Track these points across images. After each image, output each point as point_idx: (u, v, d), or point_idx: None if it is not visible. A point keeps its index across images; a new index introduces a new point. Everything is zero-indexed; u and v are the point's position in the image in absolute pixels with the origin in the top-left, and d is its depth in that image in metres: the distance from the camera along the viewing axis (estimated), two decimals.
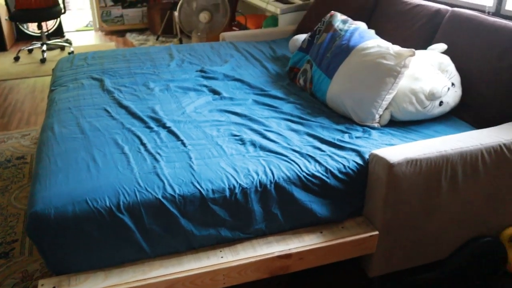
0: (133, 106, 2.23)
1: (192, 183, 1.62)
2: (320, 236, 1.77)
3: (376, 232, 1.79)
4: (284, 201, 1.71)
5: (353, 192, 1.82)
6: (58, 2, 5.20)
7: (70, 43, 5.61)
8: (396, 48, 2.15)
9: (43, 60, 5.10)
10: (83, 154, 1.79)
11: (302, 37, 2.95)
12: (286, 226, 1.76)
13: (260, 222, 1.71)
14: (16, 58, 5.18)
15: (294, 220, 1.76)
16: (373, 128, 2.12)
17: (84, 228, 1.51)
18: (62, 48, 5.60)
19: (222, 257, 1.65)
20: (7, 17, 5.55)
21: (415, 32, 2.58)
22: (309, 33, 2.72)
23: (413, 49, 2.07)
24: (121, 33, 6.30)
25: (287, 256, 1.69)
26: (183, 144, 1.88)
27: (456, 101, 2.20)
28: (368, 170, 1.82)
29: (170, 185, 1.60)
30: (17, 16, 5.01)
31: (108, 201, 1.53)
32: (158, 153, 1.80)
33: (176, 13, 5.37)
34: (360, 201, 1.86)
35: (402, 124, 2.17)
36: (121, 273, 1.58)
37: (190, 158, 1.77)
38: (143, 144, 1.87)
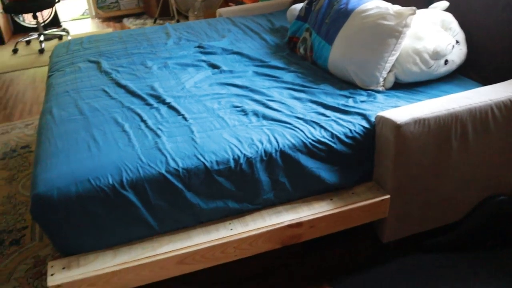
0: (131, 85, 2.18)
1: (196, 155, 1.58)
2: (330, 203, 1.73)
3: (388, 196, 1.75)
4: (291, 169, 1.67)
5: (361, 157, 1.78)
6: None
7: (67, 32, 5.55)
8: (396, 7, 2.08)
9: (41, 51, 5.05)
10: (83, 134, 1.75)
11: (299, 6, 2.88)
12: (295, 194, 1.73)
13: (268, 192, 1.67)
14: (15, 51, 5.14)
15: (303, 188, 1.72)
16: (378, 91, 2.06)
17: (89, 208, 1.49)
18: (60, 37, 5.55)
19: (231, 229, 1.62)
20: (1, 10, 5.50)
21: None
22: (306, 1, 2.65)
23: (414, 7, 2.01)
24: (118, 19, 6.23)
25: (298, 225, 1.65)
26: (184, 118, 1.84)
27: (462, 59, 2.13)
28: (375, 133, 1.77)
29: (173, 159, 1.56)
30: (11, 7, 4.95)
31: (110, 178, 1.50)
32: (159, 129, 1.76)
33: None
34: (369, 166, 1.82)
35: (407, 86, 2.11)
36: (129, 250, 1.56)
37: (192, 131, 1.73)
38: (144, 121, 1.83)
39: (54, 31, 5.55)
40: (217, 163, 1.57)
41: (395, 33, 2.01)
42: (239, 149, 1.61)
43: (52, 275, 1.49)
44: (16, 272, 2.03)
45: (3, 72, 4.58)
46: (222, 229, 1.63)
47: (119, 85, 2.20)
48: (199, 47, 2.70)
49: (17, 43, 5.27)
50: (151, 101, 2.00)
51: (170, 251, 1.55)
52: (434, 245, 1.99)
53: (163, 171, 1.53)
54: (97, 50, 2.79)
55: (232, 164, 1.58)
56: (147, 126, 1.78)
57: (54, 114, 1.95)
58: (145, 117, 1.85)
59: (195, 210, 1.59)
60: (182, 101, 1.99)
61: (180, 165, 1.55)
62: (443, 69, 2.09)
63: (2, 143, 3.16)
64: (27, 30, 5.90)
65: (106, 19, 6.28)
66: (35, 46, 5.32)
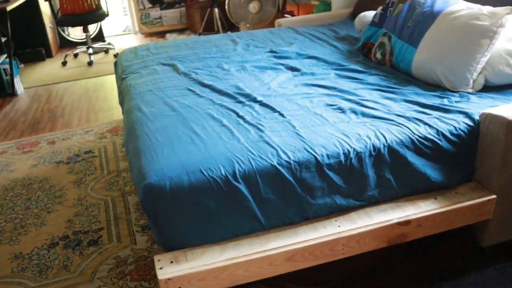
0: (215, 84, 2.17)
1: (306, 149, 1.55)
2: (435, 202, 1.68)
3: (494, 196, 1.69)
4: (397, 165, 1.62)
5: (464, 156, 1.73)
6: (100, 6, 5.24)
7: (113, 46, 5.64)
8: (489, 8, 2.05)
9: (90, 63, 5.13)
10: (182, 129, 1.74)
11: (370, 13, 2.86)
12: (399, 192, 1.68)
13: (374, 189, 1.62)
14: (64, 63, 5.22)
15: (407, 186, 1.67)
16: (468, 93, 2.01)
17: (200, 199, 1.45)
18: (106, 51, 5.63)
19: (339, 226, 1.57)
20: (51, 25, 5.62)
21: None
22: (381, 7, 2.64)
23: (510, 7, 1.97)
24: (161, 34, 6.31)
25: (406, 223, 1.60)
26: (281, 115, 1.81)
27: None
28: (479, 131, 1.72)
29: (284, 152, 1.53)
30: (63, 21, 5.06)
31: (223, 169, 1.47)
32: (260, 124, 1.73)
33: (216, 10, 5.37)
34: (470, 166, 1.76)
35: (497, 89, 2.06)
36: (237, 246, 1.52)
37: (293, 127, 1.70)
38: (241, 117, 1.81)
39: (101, 44, 5.64)
40: (328, 156, 1.54)
41: (489, 33, 1.97)
42: (348, 144, 1.58)
43: (161, 268, 1.45)
44: (99, 272, 2.01)
45: (56, 82, 4.64)
46: (329, 226, 1.58)
47: (203, 84, 2.20)
48: (271, 52, 2.70)
49: (66, 56, 5.36)
50: (242, 99, 1.99)
51: (279, 247, 1.50)
52: None
53: (275, 163, 1.50)
54: (167, 55, 2.80)
55: (342, 158, 1.55)
56: (246, 122, 1.76)
57: (144, 111, 1.95)
58: (241, 113, 1.83)
59: (303, 205, 1.55)
60: (273, 100, 1.97)
61: (292, 158, 1.51)
62: None
63: (65, 149, 3.18)
64: (72, 45, 6.02)
65: (149, 35, 6.37)
66: (83, 58, 5.41)
